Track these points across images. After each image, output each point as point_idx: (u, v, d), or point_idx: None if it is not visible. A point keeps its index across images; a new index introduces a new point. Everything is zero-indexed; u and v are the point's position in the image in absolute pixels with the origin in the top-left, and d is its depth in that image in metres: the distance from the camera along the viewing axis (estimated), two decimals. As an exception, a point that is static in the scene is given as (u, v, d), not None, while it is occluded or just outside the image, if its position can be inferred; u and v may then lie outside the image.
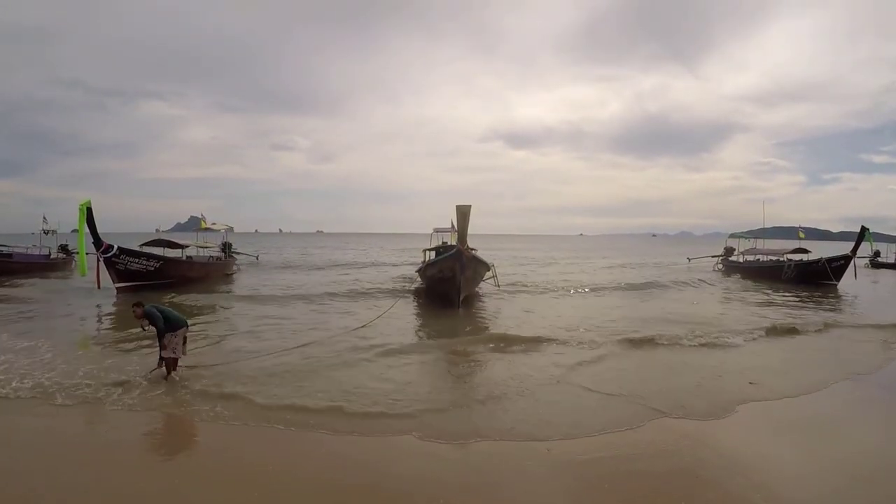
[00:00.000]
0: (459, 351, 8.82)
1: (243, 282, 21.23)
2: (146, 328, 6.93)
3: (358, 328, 10.51)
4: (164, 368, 6.90)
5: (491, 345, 9.19)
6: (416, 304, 14.84)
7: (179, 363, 7.11)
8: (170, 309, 7.13)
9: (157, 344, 6.93)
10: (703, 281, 22.56)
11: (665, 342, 9.45)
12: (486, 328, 11.26)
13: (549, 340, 9.44)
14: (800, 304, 15.58)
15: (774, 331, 10.69)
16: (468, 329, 10.95)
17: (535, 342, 9.31)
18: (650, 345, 9.31)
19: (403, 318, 12.50)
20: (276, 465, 4.52)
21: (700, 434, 5.37)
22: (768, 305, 15.09)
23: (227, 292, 17.25)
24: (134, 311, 6.76)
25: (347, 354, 8.40)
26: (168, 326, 6.84)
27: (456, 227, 13.31)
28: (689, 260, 34.83)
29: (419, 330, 11.25)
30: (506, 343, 9.28)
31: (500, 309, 14.16)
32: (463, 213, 12.45)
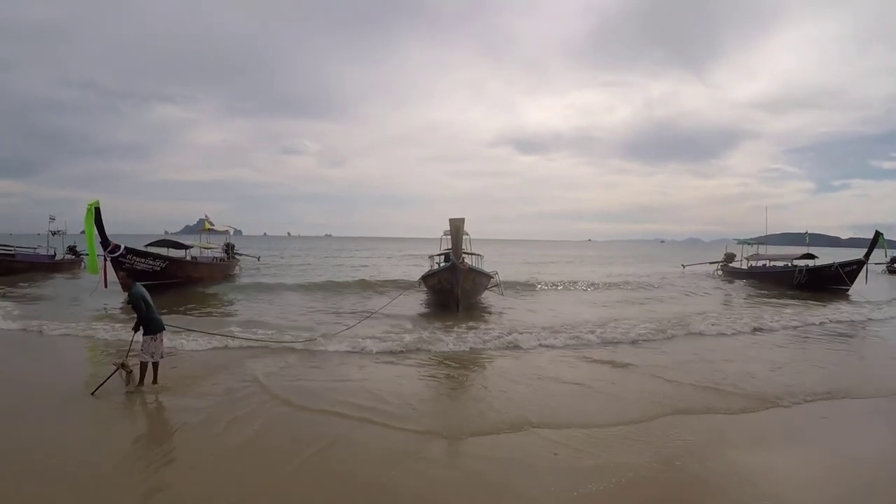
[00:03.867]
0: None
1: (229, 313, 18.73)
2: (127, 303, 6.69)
3: None
4: (135, 374, 6.66)
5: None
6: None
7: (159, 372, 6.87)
8: (152, 309, 6.83)
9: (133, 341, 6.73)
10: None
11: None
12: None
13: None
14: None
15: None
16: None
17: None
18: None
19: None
20: None
21: (709, 442, 5.28)
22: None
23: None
24: (124, 283, 6.57)
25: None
26: (149, 328, 6.68)
27: (450, 240, 13.31)
28: (684, 266, 33.03)
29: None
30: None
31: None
32: (456, 226, 12.49)
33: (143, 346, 6.70)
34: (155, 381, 6.80)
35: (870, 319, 13.66)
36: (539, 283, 21.98)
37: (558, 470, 4.55)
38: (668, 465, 4.66)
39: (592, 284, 22.52)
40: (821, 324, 12.39)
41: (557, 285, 22.00)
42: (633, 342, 9.89)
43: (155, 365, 6.85)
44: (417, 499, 4.10)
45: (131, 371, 6.62)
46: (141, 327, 6.74)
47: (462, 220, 12.49)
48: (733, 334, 11.00)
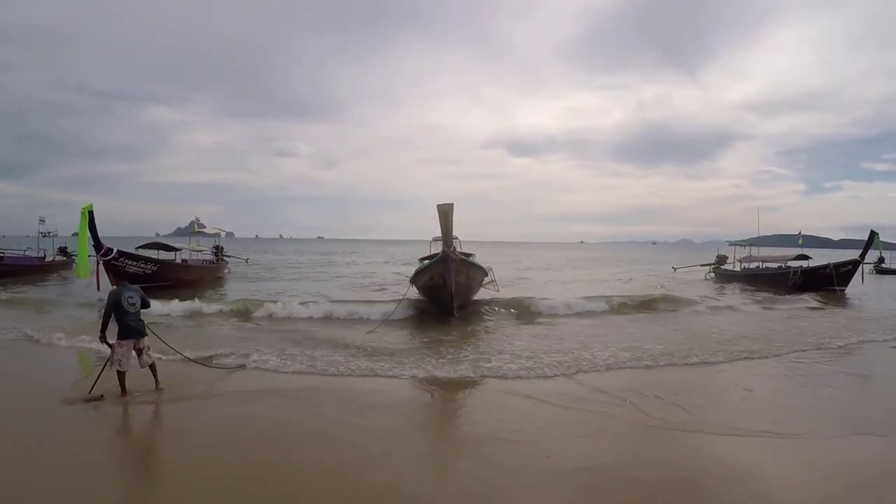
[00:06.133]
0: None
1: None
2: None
3: None
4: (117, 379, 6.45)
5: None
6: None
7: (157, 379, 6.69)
8: (135, 312, 6.53)
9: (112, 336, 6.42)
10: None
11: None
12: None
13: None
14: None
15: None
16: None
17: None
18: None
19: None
20: None
21: (700, 443, 5.31)
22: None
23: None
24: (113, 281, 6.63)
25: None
26: (119, 332, 6.39)
27: (441, 228, 12.00)
28: (675, 269, 32.92)
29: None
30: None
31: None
32: (444, 212, 11.43)
33: (113, 349, 6.42)
34: (129, 390, 6.50)
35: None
36: (537, 301, 15.75)
37: (551, 472, 4.56)
38: (660, 468, 4.67)
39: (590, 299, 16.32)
40: (825, 346, 10.41)
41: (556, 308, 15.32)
42: (632, 367, 8.57)
43: (152, 367, 6.67)
44: (413, 499, 4.10)
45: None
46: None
47: (451, 206, 11.42)
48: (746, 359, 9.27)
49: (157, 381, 6.69)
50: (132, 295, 6.58)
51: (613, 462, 4.78)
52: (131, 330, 6.46)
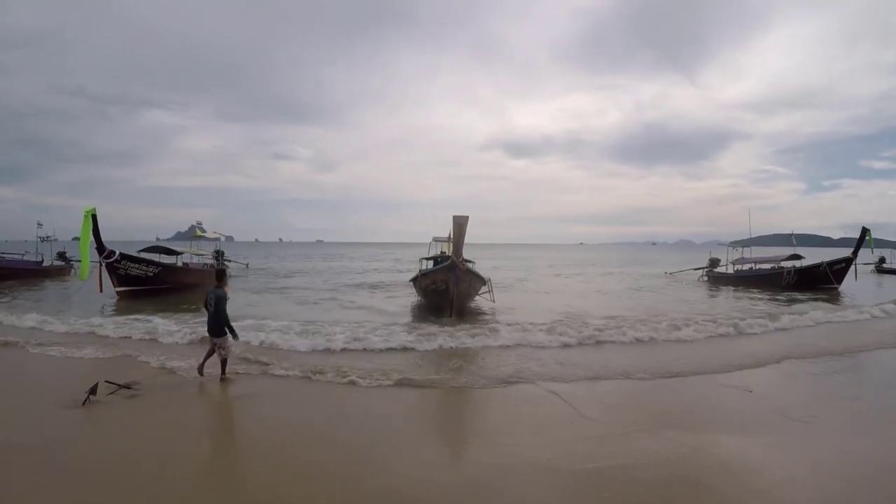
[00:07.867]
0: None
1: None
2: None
3: None
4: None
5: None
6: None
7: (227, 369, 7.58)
8: (212, 312, 7.33)
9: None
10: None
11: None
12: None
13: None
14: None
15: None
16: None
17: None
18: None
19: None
20: None
21: (699, 442, 5.30)
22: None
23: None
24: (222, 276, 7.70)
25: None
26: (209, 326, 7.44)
27: (452, 238, 12.60)
28: (667, 273, 32.72)
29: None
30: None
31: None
32: (459, 223, 11.87)
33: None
34: (222, 376, 7.49)
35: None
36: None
37: (551, 473, 4.56)
38: (661, 468, 4.67)
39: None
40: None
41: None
42: (631, 373, 8.19)
43: (222, 361, 7.52)
44: (413, 500, 4.10)
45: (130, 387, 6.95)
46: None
47: (466, 218, 11.86)
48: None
49: (223, 372, 7.50)
50: (211, 298, 7.40)
51: (614, 463, 4.77)
52: (209, 327, 7.47)
